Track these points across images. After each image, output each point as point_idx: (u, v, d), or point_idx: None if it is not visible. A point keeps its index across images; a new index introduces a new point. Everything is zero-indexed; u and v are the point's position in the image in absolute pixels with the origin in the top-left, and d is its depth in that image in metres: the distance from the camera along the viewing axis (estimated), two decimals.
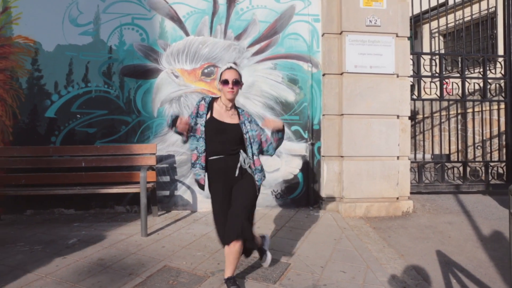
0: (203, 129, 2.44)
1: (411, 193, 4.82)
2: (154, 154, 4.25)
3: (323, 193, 4.71)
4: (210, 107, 2.50)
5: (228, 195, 2.47)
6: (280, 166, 4.77)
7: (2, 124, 4.42)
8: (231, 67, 2.49)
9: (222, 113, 2.49)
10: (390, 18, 4.52)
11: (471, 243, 3.56)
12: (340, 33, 4.55)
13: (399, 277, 2.73)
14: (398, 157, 4.61)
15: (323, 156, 4.74)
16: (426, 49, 8.29)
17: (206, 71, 4.61)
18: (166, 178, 4.63)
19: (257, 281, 2.61)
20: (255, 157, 2.49)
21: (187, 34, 4.64)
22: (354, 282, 2.62)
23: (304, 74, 4.79)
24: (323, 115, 4.72)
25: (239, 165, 2.45)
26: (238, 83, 2.47)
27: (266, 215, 4.46)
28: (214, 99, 2.55)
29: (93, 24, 4.53)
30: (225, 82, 2.43)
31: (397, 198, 4.59)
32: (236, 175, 2.45)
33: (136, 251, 3.21)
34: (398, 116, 4.60)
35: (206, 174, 2.50)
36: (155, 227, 3.93)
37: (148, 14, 4.58)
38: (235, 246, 2.32)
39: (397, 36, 4.58)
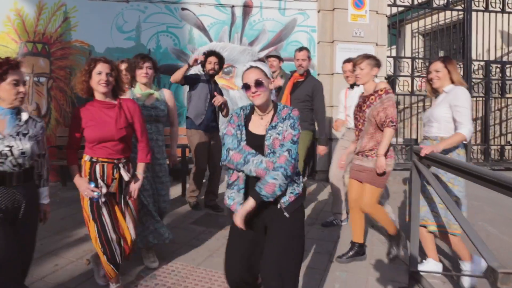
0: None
1: None
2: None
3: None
4: (247, 119, 1.95)
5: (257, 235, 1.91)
6: None
7: (64, 111, 5.57)
8: (250, 67, 1.88)
9: (257, 122, 1.93)
10: (371, 31, 5.74)
11: None
12: (332, 42, 5.76)
13: None
14: None
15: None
16: (408, 46, 9.58)
17: (226, 70, 5.78)
18: None
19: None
20: None
21: (210, 40, 5.80)
22: None
23: None
24: None
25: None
26: (261, 84, 1.82)
27: None
28: (253, 108, 1.97)
29: (135, 31, 5.66)
30: (246, 87, 1.85)
31: None
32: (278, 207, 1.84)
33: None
34: None
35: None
36: None
37: (179, 23, 5.72)
38: None
39: (376, 44, 5.81)
